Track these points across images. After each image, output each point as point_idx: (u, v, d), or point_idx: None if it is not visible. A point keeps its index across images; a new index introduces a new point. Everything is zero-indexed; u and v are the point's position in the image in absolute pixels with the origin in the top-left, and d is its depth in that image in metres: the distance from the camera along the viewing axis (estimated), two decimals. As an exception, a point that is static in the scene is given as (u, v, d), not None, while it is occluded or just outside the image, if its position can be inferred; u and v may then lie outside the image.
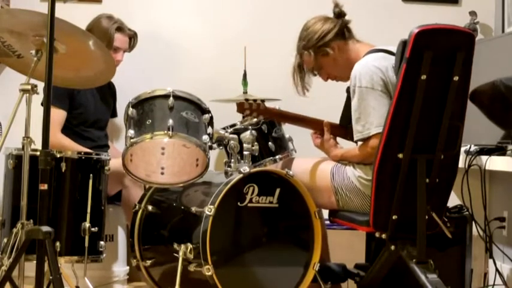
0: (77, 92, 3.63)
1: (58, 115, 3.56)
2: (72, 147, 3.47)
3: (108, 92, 3.89)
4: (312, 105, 3.29)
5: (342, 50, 3.07)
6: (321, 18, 3.10)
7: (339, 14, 3.08)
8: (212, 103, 3.13)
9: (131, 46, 3.83)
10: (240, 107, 3.07)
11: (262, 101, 3.12)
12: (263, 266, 2.92)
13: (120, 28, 3.72)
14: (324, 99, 3.50)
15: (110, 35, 3.66)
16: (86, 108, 3.71)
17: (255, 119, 3.13)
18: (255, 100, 3.09)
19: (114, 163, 3.20)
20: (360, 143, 2.89)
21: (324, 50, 3.04)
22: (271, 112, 3.15)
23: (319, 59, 3.07)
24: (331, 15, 3.10)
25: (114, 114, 3.98)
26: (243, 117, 3.15)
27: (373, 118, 2.79)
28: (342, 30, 3.06)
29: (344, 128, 3.11)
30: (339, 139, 3.12)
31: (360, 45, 3.08)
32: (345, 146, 3.11)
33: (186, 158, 2.98)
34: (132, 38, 3.81)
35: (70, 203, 3.04)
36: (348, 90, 3.10)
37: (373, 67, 2.84)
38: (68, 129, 3.63)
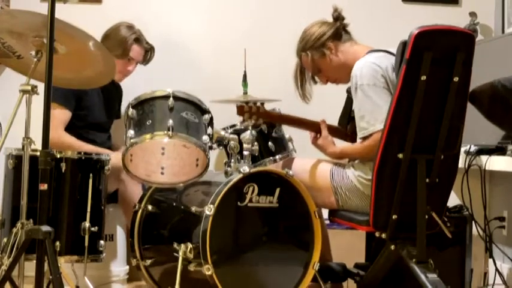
0: (85, 93, 3.61)
1: (62, 114, 3.54)
2: (74, 145, 3.47)
3: (114, 94, 3.86)
4: (312, 105, 3.29)
5: (339, 51, 3.08)
6: (318, 22, 3.14)
7: (337, 18, 3.11)
8: (212, 103, 3.13)
9: (147, 59, 3.81)
10: (240, 110, 3.08)
11: (262, 103, 3.13)
12: (263, 266, 2.92)
13: (138, 39, 3.71)
14: (324, 100, 3.49)
15: (127, 45, 3.65)
16: (92, 110, 3.68)
17: (255, 122, 3.13)
18: (254, 103, 3.09)
19: (112, 158, 3.20)
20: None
21: (321, 50, 3.07)
22: (271, 115, 3.16)
23: (316, 60, 3.09)
24: (331, 19, 3.12)
25: (117, 115, 3.95)
26: (243, 120, 3.16)
27: (377, 114, 2.79)
28: (339, 32, 3.09)
29: (342, 130, 3.12)
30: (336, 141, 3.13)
31: (358, 47, 3.09)
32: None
33: (186, 158, 2.99)
34: (149, 51, 3.80)
35: (70, 203, 3.04)
36: (348, 90, 3.10)
37: (374, 65, 2.85)
38: (71, 130, 3.59)
